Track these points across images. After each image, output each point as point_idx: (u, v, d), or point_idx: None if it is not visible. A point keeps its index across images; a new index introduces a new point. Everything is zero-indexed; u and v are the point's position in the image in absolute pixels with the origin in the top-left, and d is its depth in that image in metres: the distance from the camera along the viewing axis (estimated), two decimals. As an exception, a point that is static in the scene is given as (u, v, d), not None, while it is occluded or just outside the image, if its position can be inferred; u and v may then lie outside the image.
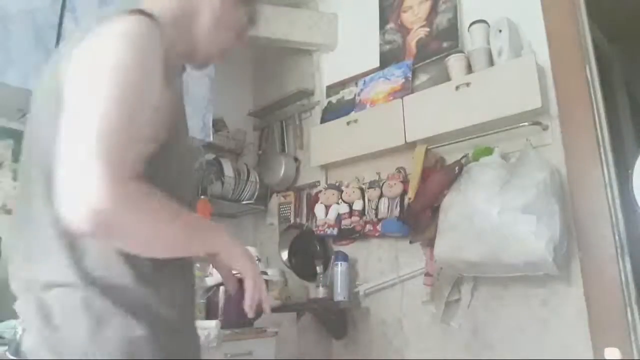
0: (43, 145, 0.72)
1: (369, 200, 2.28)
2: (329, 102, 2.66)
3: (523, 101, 1.83)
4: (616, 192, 1.74)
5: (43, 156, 0.71)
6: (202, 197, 2.35)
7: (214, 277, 1.81)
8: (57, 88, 0.71)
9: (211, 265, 1.85)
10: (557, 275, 1.69)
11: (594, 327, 1.66)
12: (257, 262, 1.80)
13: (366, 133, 2.31)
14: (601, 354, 1.61)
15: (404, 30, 2.44)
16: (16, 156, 1.85)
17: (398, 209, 2.14)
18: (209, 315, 1.76)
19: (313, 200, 2.54)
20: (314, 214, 2.47)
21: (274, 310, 2.09)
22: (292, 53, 2.88)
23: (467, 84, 1.98)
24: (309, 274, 2.46)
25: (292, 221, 2.68)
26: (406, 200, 2.09)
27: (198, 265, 1.90)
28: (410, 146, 2.15)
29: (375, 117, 2.31)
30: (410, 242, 2.12)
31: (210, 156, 2.53)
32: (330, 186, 2.44)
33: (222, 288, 1.77)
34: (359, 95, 2.49)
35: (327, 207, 2.39)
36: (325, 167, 2.58)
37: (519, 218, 1.64)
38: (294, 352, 2.11)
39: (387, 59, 2.46)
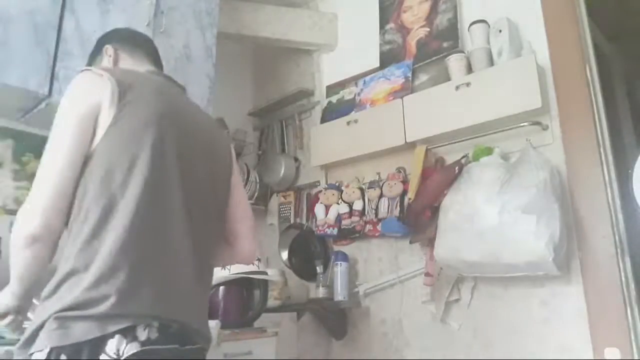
0: None
1: (369, 200, 2.28)
2: (329, 102, 2.66)
3: (523, 101, 1.83)
4: (616, 192, 1.74)
5: None
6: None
7: (213, 277, 1.81)
8: None
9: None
10: (557, 275, 1.69)
11: (594, 327, 1.66)
12: (258, 262, 1.80)
13: (366, 133, 2.31)
14: (601, 354, 1.62)
15: (404, 30, 2.44)
16: (16, 156, 1.85)
17: (398, 209, 2.14)
18: (209, 315, 1.76)
19: (313, 200, 2.53)
20: (314, 214, 2.47)
21: (274, 310, 2.09)
22: (292, 53, 2.87)
23: (467, 84, 1.98)
24: (309, 274, 2.46)
25: (292, 221, 2.68)
26: (406, 200, 2.09)
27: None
28: (410, 146, 2.15)
29: (375, 117, 2.31)
30: (410, 242, 2.12)
31: (210, 156, 2.52)
32: (330, 186, 2.44)
33: (222, 288, 1.77)
34: (359, 95, 2.49)
35: (327, 207, 2.39)
36: (325, 167, 2.58)
37: (519, 218, 1.64)
38: (294, 352, 2.11)
39: (387, 59, 2.46)
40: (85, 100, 0.99)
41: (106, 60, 1.22)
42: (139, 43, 1.27)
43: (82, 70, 1.05)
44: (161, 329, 0.92)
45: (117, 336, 0.86)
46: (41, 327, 0.86)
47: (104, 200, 0.93)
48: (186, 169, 1.05)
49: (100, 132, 0.97)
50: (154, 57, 1.27)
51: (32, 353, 0.86)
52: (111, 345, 0.85)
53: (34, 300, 1.11)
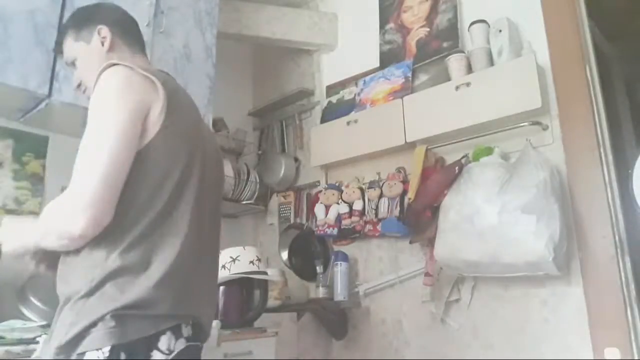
0: None
1: (369, 200, 2.28)
2: (329, 102, 2.66)
3: (523, 101, 1.83)
4: (616, 192, 1.74)
5: None
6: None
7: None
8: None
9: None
10: (557, 275, 1.69)
11: (594, 327, 1.67)
12: (258, 261, 1.80)
13: (366, 133, 2.30)
14: (601, 354, 1.62)
15: (404, 30, 2.44)
16: (16, 156, 1.85)
17: (398, 209, 2.14)
18: (209, 315, 1.76)
19: (313, 200, 2.53)
20: (314, 214, 2.47)
21: (274, 310, 2.09)
22: (292, 53, 2.88)
23: (467, 84, 1.98)
24: (309, 274, 2.46)
25: (292, 221, 2.68)
26: (406, 200, 2.09)
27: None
28: (410, 146, 2.15)
29: (375, 117, 2.31)
30: (410, 242, 2.12)
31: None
32: (330, 186, 2.44)
33: (222, 288, 1.77)
34: (359, 95, 2.49)
35: (327, 207, 2.39)
36: (325, 167, 2.58)
37: (519, 218, 1.64)
38: (294, 352, 2.11)
39: (387, 59, 2.46)
40: (135, 96, 0.94)
41: (97, 41, 1.13)
42: (131, 28, 1.21)
43: (118, 65, 0.97)
44: (193, 327, 0.97)
45: (168, 333, 0.90)
46: (92, 325, 0.84)
47: (159, 205, 0.93)
48: (210, 179, 1.09)
49: (148, 135, 0.94)
50: (143, 46, 1.22)
51: (84, 352, 0.84)
52: (163, 342, 0.89)
53: (33, 300, 1.10)
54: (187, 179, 0.99)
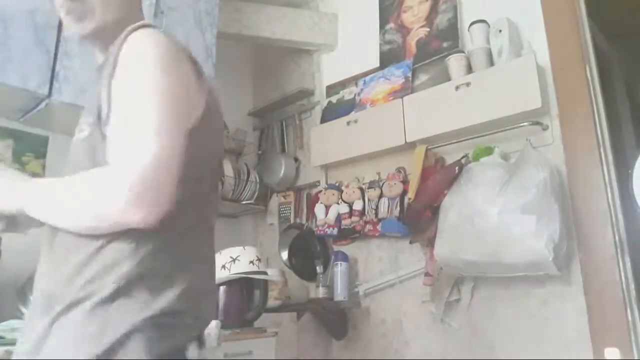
0: None
1: (369, 200, 2.28)
2: (329, 102, 2.66)
3: (523, 101, 1.83)
4: (616, 192, 1.74)
5: None
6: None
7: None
8: None
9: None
10: (557, 275, 1.69)
11: (594, 327, 1.67)
12: (258, 261, 1.81)
13: (366, 133, 2.31)
14: (601, 354, 1.62)
15: (404, 30, 2.44)
16: (16, 156, 1.85)
17: (398, 209, 2.14)
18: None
19: (313, 200, 2.54)
20: (314, 214, 2.47)
21: (274, 310, 2.09)
22: (292, 53, 2.88)
23: (467, 84, 1.98)
24: (309, 274, 2.46)
25: (292, 221, 2.69)
26: (406, 200, 2.09)
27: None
28: (410, 146, 2.15)
29: (375, 117, 2.31)
30: (411, 242, 2.12)
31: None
32: (330, 186, 2.44)
33: (222, 288, 1.77)
34: (359, 95, 2.49)
35: (327, 207, 2.39)
36: (325, 167, 2.58)
37: (519, 218, 1.64)
38: (294, 352, 2.11)
39: (387, 59, 2.46)
40: (183, 70, 0.81)
41: None
42: None
43: (153, 28, 0.83)
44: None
45: (194, 342, 0.82)
46: (126, 336, 0.72)
47: (199, 199, 0.86)
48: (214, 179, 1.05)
49: (191, 120, 0.82)
50: None
51: None
52: (192, 351, 0.81)
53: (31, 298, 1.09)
54: (213, 182, 0.92)
